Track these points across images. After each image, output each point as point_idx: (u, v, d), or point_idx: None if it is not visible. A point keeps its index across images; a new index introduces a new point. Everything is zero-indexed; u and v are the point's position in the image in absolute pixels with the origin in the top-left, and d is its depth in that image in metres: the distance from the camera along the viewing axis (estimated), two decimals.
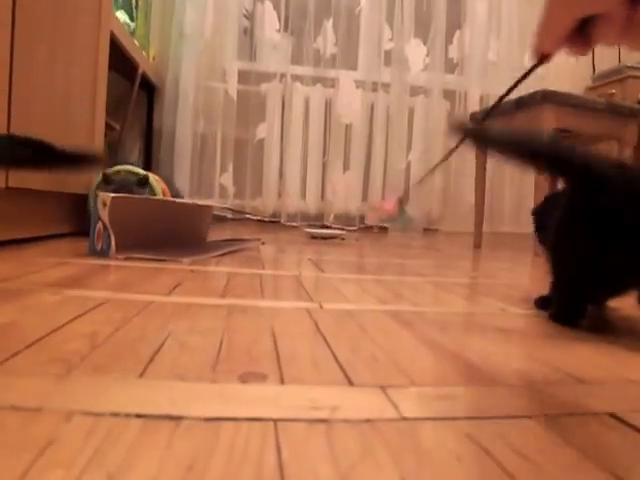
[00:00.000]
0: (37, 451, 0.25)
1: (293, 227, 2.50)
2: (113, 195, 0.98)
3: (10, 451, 0.25)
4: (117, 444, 0.27)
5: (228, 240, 1.41)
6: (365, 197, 2.61)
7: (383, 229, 2.61)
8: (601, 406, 0.37)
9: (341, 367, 0.42)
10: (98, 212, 1.00)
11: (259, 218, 2.51)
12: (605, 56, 2.81)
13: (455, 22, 2.67)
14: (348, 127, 2.56)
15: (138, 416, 0.30)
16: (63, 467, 0.24)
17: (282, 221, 2.53)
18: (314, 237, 1.96)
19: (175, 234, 1.17)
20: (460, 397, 0.37)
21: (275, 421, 0.31)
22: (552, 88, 1.80)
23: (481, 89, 2.64)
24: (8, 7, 0.95)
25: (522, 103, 1.82)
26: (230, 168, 2.52)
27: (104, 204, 0.98)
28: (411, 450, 0.28)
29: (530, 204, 2.26)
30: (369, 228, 2.59)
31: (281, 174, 2.55)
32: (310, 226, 2.45)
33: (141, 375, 0.37)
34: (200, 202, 1.31)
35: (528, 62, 2.67)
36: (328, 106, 2.57)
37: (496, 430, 0.32)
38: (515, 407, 0.36)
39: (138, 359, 0.41)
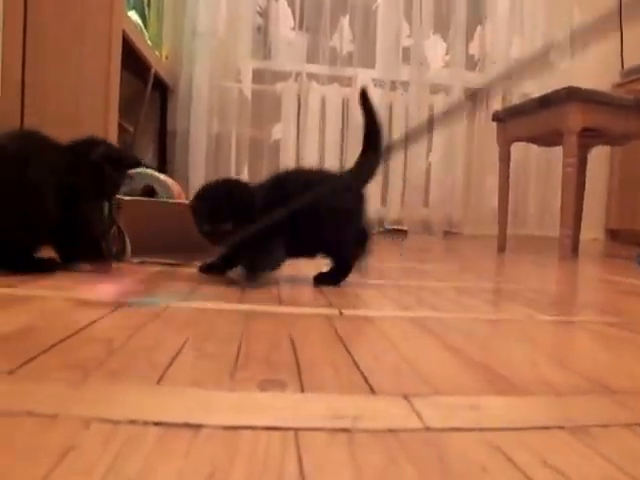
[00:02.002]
0: (55, 458, 0.25)
1: None
2: (127, 198, 0.99)
3: (28, 458, 0.25)
4: (136, 452, 0.26)
5: None
6: (384, 200, 2.56)
7: (401, 232, 2.58)
8: (632, 416, 0.35)
9: (362, 375, 0.41)
10: (112, 216, 1.00)
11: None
12: (634, 51, 2.72)
13: (476, 17, 2.61)
14: None
15: (156, 424, 0.30)
16: (82, 475, 0.24)
17: None
18: None
19: (190, 237, 1.17)
20: (486, 407, 0.36)
21: (295, 430, 0.30)
22: (577, 85, 1.75)
23: (503, 87, 2.58)
24: (20, 10, 0.96)
25: (546, 101, 1.77)
26: (245, 170, 2.50)
27: (118, 207, 0.99)
28: (436, 462, 0.27)
29: (556, 205, 2.19)
30: (388, 232, 2.56)
31: None
32: None
33: (158, 382, 0.37)
34: None
35: (553, 58, 2.60)
36: (345, 105, 2.53)
37: (524, 441, 0.30)
38: (544, 417, 0.35)
39: (155, 365, 0.41)
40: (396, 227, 2.57)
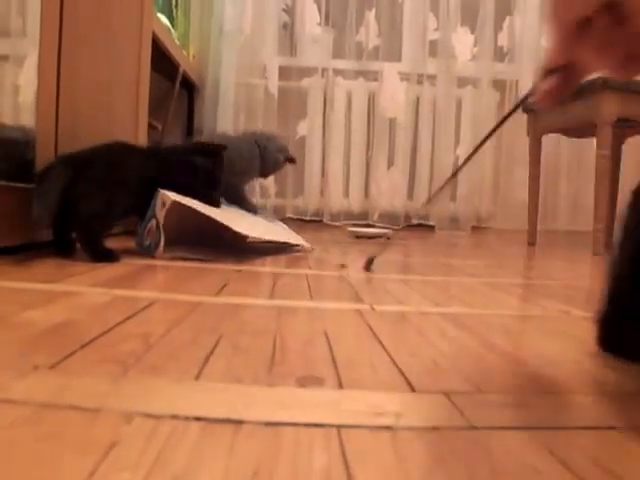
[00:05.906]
0: (101, 453, 0.25)
1: (336, 226, 2.47)
2: (174, 199, 0.98)
3: (75, 452, 0.25)
4: (179, 447, 0.26)
5: (271, 242, 1.36)
6: (411, 194, 2.53)
7: (429, 227, 2.54)
8: None
9: (400, 372, 0.40)
10: (155, 210, 0.99)
11: (299, 217, 2.50)
12: None
13: (505, 8, 2.55)
14: (392, 122, 2.49)
15: (197, 419, 0.30)
16: (129, 470, 0.24)
17: (325, 220, 2.50)
18: (358, 237, 1.93)
19: (219, 236, 1.17)
20: (531, 405, 0.35)
21: (338, 427, 0.30)
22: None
23: (534, 77, 2.52)
24: (56, 13, 0.98)
25: (580, 91, 1.72)
26: None
27: (163, 204, 0.98)
28: (485, 461, 0.27)
29: (588, 199, 2.12)
30: (416, 227, 2.53)
31: (323, 172, 2.51)
32: (354, 225, 2.42)
33: (197, 377, 0.37)
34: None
35: None
36: (371, 100, 2.50)
37: (575, 441, 0.29)
38: (593, 417, 0.33)
39: (192, 361, 0.41)
40: (422, 222, 2.54)
